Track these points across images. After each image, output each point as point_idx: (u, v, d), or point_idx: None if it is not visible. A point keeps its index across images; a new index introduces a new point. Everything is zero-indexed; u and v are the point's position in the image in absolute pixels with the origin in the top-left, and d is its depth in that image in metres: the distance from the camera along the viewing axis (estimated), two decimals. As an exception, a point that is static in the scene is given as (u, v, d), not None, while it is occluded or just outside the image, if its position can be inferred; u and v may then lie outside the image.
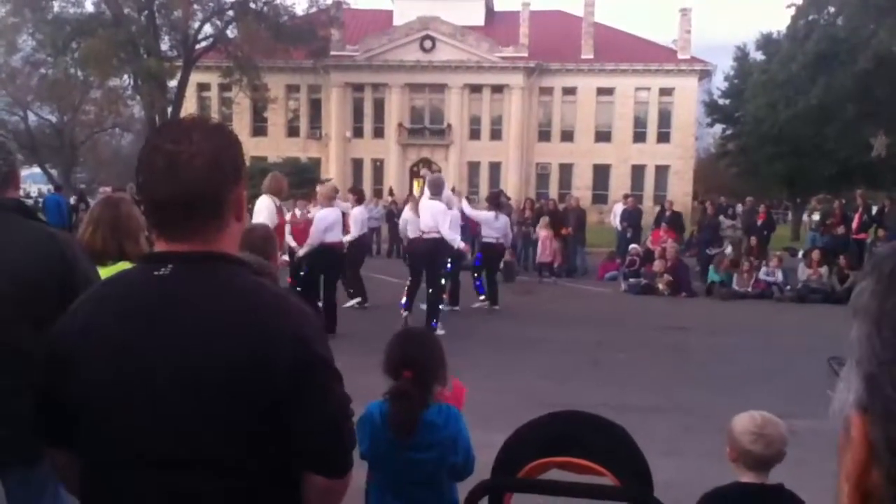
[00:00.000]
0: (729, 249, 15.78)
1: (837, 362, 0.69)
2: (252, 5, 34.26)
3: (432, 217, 9.17)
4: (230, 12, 34.60)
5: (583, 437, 2.11)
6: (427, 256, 9.35)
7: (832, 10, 26.14)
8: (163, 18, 33.71)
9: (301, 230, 9.70)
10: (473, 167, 43.83)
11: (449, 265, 10.07)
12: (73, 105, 34.01)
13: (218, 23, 34.96)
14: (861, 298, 0.64)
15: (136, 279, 1.41)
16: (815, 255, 14.26)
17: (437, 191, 9.52)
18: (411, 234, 10.17)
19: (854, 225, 16.26)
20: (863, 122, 24.52)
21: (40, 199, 22.17)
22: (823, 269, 13.90)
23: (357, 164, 44.35)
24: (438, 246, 9.24)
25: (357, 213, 11.15)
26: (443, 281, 9.64)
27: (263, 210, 7.99)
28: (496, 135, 44.07)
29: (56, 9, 32.73)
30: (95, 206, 3.36)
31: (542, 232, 15.79)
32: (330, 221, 9.11)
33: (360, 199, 11.73)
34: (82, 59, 31.18)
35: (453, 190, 14.52)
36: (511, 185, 40.54)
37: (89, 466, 1.39)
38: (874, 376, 0.61)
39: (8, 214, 2.39)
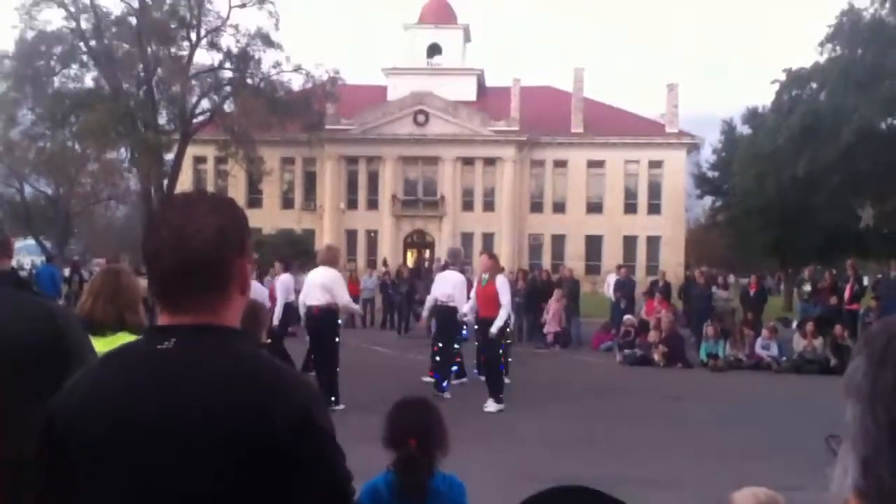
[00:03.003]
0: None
1: (836, 441, 0.69)
2: (249, 81, 35.00)
3: (452, 286, 9.74)
4: (227, 88, 35.33)
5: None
6: (445, 323, 9.91)
7: (814, 85, 26.91)
8: (161, 93, 34.35)
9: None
10: (467, 238, 44.04)
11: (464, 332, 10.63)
12: (70, 177, 34.20)
13: (215, 97, 35.64)
14: (854, 378, 0.65)
15: (138, 353, 1.40)
16: (810, 326, 14.27)
17: (455, 261, 10.22)
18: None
19: (846, 295, 16.28)
20: (849, 191, 24.93)
21: (34, 271, 22.04)
22: (818, 341, 13.87)
23: (351, 236, 44.58)
24: (454, 313, 9.81)
25: (285, 280, 11.09)
26: (456, 346, 10.21)
27: (338, 280, 8.66)
28: (489, 206, 44.55)
29: (56, 84, 33.35)
30: (96, 277, 3.35)
31: (555, 305, 16.50)
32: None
33: (286, 268, 11.85)
34: (80, 131, 31.59)
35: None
36: (504, 255, 40.54)
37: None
38: (869, 458, 0.61)
39: (1, 286, 2.38)
